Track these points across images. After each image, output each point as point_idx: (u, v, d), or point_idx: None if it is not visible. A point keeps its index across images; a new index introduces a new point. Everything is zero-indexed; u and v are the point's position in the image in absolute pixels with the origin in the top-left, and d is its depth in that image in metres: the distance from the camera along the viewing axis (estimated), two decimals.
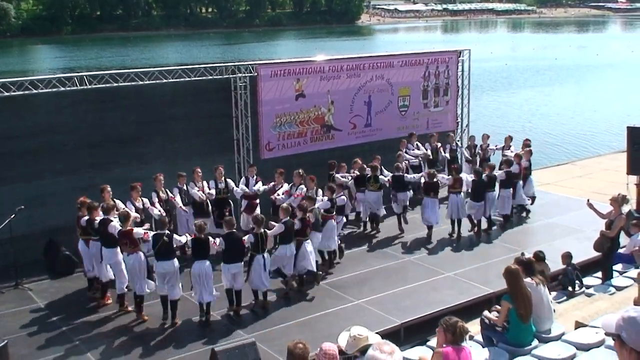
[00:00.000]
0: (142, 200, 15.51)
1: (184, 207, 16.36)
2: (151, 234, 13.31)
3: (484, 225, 18.03)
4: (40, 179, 16.05)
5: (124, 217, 13.42)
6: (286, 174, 16.98)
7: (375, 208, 17.99)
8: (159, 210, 15.55)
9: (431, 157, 20.82)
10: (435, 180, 17.85)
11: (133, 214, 14.21)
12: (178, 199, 16.31)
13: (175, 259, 13.22)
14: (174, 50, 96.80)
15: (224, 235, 13.37)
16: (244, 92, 18.50)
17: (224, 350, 10.95)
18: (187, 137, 17.84)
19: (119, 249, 13.53)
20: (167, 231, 13.27)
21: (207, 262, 13.07)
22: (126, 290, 13.80)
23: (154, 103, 17.46)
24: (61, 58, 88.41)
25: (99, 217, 13.88)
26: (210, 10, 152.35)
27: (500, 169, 18.48)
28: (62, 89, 15.91)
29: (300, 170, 16.56)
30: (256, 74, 18.53)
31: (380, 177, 17.80)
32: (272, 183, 16.88)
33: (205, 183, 16.70)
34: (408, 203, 18.43)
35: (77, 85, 16.06)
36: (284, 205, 14.65)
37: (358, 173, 18.05)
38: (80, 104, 16.51)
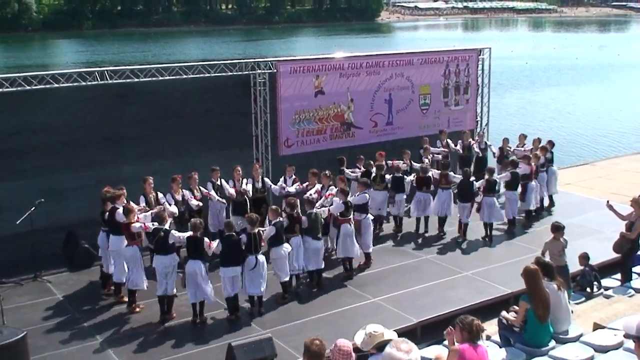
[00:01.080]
0: (182, 192, 15.74)
1: (222, 200, 16.50)
2: (152, 227, 13.25)
3: (479, 232, 17.60)
4: (60, 173, 16.15)
5: (127, 211, 13.48)
6: (305, 172, 16.95)
7: (377, 208, 17.48)
8: (198, 204, 15.86)
9: (462, 152, 20.82)
10: (427, 175, 17.71)
11: (138, 206, 14.32)
12: (213, 194, 16.41)
13: (174, 255, 13.16)
14: (194, 47, 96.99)
15: (221, 237, 13.24)
16: (263, 88, 18.51)
17: (241, 345, 10.99)
18: (206, 133, 17.85)
19: (124, 238, 13.61)
20: (165, 227, 13.13)
21: (201, 263, 12.85)
22: (124, 280, 13.83)
23: (173, 98, 17.50)
24: (82, 52, 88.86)
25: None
26: (230, 6, 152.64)
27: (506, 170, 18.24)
28: (83, 83, 15.98)
29: (327, 172, 16.50)
30: (276, 70, 18.55)
31: (387, 176, 17.58)
32: (306, 184, 16.74)
33: (244, 181, 16.74)
34: (405, 205, 18.01)
35: (98, 80, 16.11)
36: (273, 207, 14.37)
37: (363, 169, 17.95)
38: (101, 99, 16.58)
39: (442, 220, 17.85)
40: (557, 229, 13.19)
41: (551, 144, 20.10)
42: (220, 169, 16.60)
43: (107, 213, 13.99)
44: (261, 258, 13.20)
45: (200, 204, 15.99)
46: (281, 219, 13.83)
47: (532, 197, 18.47)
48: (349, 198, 15.18)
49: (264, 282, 13.28)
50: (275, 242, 13.64)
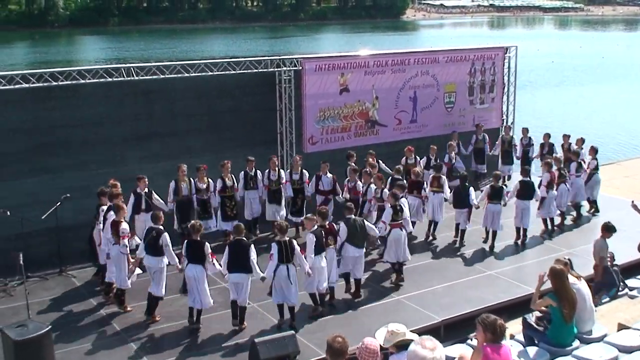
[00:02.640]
0: (208, 181, 16.16)
1: (240, 198, 16.79)
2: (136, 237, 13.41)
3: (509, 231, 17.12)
4: (87, 169, 16.23)
5: (117, 208, 13.47)
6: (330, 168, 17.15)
7: (368, 209, 16.70)
8: (218, 201, 16.29)
9: (502, 146, 21.11)
10: (419, 179, 17.25)
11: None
12: (241, 191, 16.77)
13: (163, 258, 12.86)
14: (220, 44, 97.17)
15: (229, 242, 12.88)
16: (288, 85, 18.56)
17: (264, 341, 11.04)
18: (232, 130, 17.93)
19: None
20: (159, 227, 12.95)
21: (201, 267, 12.42)
22: (114, 280, 13.65)
23: (199, 95, 17.61)
24: (108, 49, 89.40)
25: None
26: (255, 3, 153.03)
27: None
28: (109, 79, 16.10)
29: (368, 169, 16.53)
30: (301, 67, 18.57)
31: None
32: (347, 179, 16.79)
33: (283, 172, 17.12)
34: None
35: (124, 76, 16.24)
36: (309, 215, 13.63)
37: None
38: (127, 95, 16.72)
39: (433, 225, 17.45)
40: (609, 229, 13.27)
41: (594, 150, 19.34)
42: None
43: (104, 211, 13.97)
44: (292, 268, 12.50)
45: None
46: (318, 227, 13.03)
47: (550, 205, 17.54)
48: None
49: (295, 293, 12.60)
50: (318, 250, 12.84)
